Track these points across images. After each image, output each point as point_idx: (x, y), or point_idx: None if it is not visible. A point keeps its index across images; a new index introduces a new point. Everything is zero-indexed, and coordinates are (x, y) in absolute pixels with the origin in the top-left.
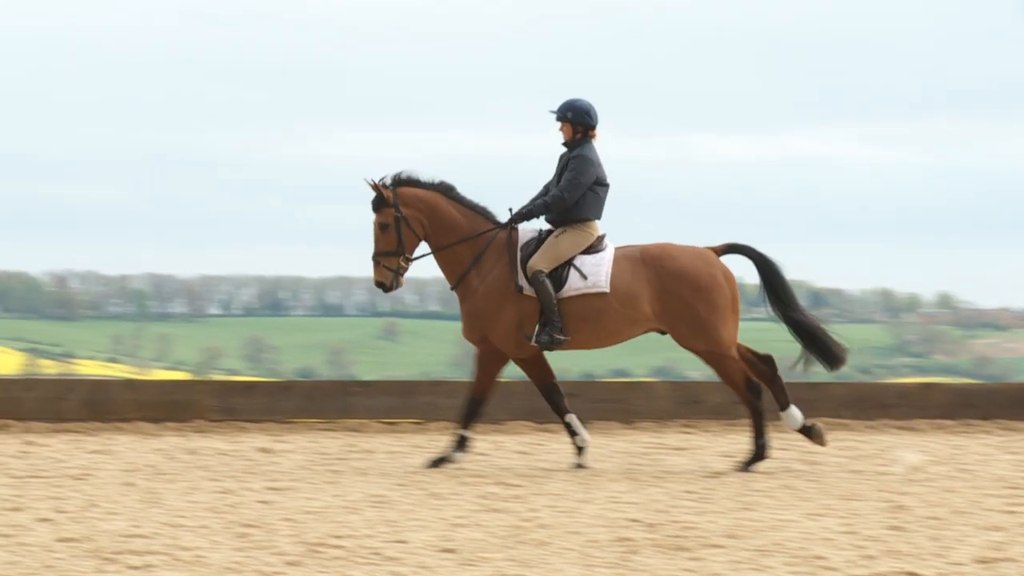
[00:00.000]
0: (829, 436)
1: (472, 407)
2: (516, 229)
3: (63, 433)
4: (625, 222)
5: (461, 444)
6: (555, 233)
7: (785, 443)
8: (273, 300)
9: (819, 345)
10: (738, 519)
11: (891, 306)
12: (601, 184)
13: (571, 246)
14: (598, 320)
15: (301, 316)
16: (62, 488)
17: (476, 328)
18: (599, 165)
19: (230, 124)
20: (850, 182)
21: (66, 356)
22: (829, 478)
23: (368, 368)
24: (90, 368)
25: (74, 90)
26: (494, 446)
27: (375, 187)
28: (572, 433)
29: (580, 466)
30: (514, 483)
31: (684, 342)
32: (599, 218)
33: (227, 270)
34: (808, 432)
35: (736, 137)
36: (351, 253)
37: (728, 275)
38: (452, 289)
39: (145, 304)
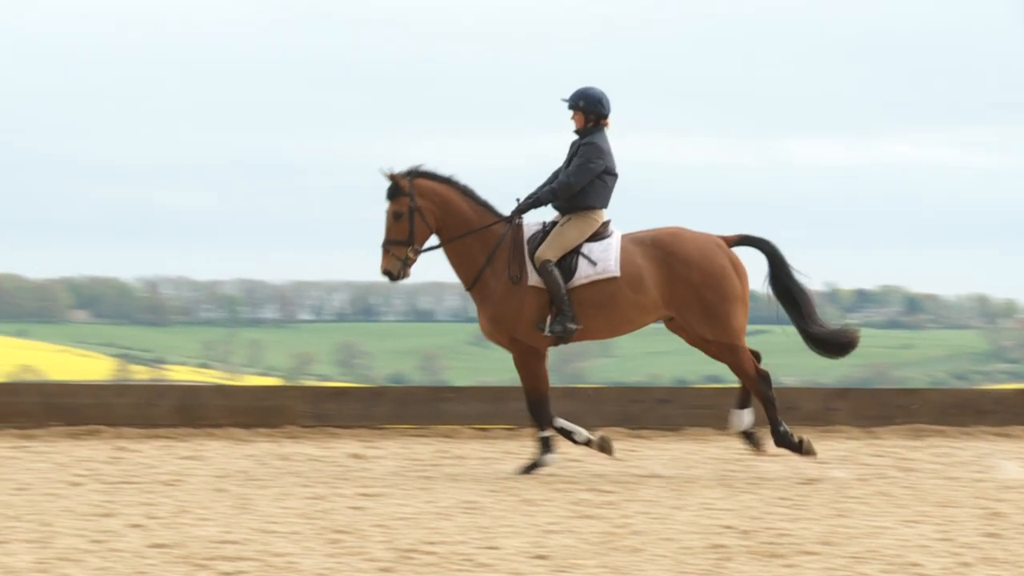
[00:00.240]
0: (924, 442)
1: (536, 409)
2: (521, 223)
3: (154, 439)
4: (722, 226)
5: (546, 446)
6: (560, 222)
7: (879, 449)
8: (365, 305)
9: (822, 342)
10: (833, 526)
11: (987, 312)
12: (610, 174)
13: (577, 233)
14: (610, 306)
15: (393, 322)
16: (153, 494)
17: (503, 330)
18: (609, 154)
19: (322, 129)
20: (948, 187)
21: (157, 362)
22: (925, 484)
23: (460, 374)
24: (181, 374)
25: (164, 96)
26: (587, 452)
27: (392, 176)
28: (568, 434)
29: (603, 449)
30: (607, 489)
31: (692, 329)
32: (605, 207)
33: (318, 275)
34: (749, 437)
35: (833, 141)
36: (444, 258)
37: (738, 265)
38: (467, 289)
39: (236, 309)
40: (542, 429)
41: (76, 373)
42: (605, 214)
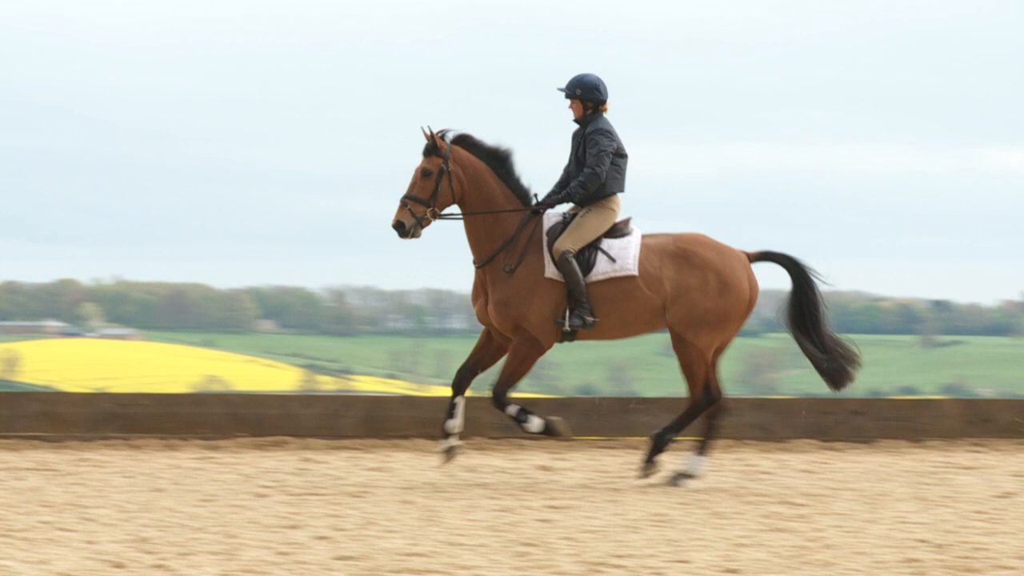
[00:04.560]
0: None
1: (502, 391)
2: (542, 213)
3: (341, 450)
4: (908, 234)
5: (521, 417)
6: (580, 213)
7: None
8: None
9: (827, 367)
10: None
11: None
12: (620, 155)
13: (597, 224)
14: (626, 304)
15: None
16: (340, 506)
17: (510, 316)
18: (617, 136)
19: (508, 135)
20: None
21: (344, 372)
22: None
23: (650, 385)
24: (368, 384)
25: (351, 105)
26: (778, 464)
27: (431, 136)
28: (450, 415)
29: (450, 449)
30: (799, 502)
31: (668, 319)
32: (622, 191)
33: None
34: (682, 477)
35: None
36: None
37: (753, 283)
38: (479, 267)
39: (424, 319)
40: (503, 410)
41: (262, 383)
42: (621, 201)
